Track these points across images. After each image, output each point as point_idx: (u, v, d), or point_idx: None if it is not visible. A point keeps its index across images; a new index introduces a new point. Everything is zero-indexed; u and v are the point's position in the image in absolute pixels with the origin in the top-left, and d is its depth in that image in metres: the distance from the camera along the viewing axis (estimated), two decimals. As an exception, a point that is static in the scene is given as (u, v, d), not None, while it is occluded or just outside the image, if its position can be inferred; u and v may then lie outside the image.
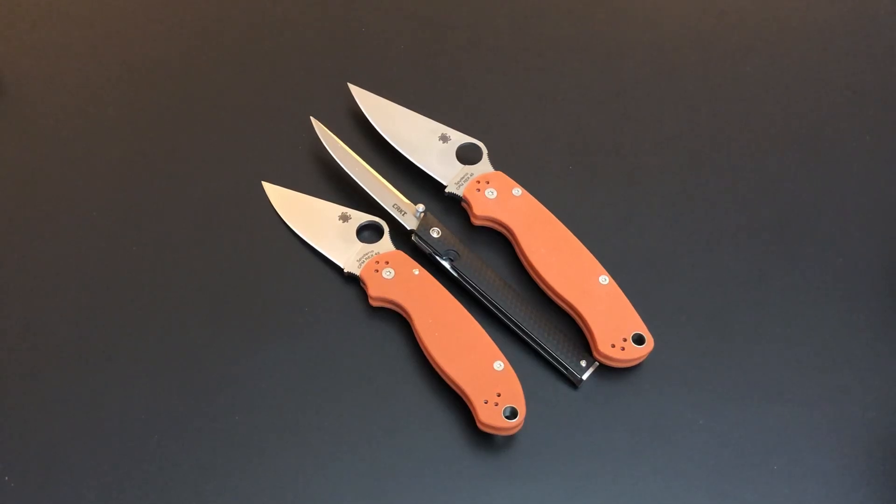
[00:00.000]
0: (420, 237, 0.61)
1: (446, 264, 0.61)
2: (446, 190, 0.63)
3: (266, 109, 0.70)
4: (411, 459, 0.55)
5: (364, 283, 0.60)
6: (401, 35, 0.74)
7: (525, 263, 0.61)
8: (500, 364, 0.56)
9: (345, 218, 0.63)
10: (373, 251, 0.61)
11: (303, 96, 0.70)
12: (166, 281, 0.61)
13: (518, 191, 0.63)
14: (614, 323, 0.58)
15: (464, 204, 0.64)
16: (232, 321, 0.60)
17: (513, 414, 0.54)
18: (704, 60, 0.73)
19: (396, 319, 0.60)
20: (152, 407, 0.57)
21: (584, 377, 0.57)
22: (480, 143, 0.65)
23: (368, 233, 0.63)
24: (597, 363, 0.58)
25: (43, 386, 0.57)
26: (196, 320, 0.60)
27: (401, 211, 0.62)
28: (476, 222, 0.63)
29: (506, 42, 0.74)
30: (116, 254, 0.63)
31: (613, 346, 0.57)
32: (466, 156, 0.65)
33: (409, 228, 0.62)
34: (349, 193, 0.65)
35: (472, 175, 0.63)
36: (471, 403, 0.55)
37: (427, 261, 0.62)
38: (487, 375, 0.55)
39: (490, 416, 0.54)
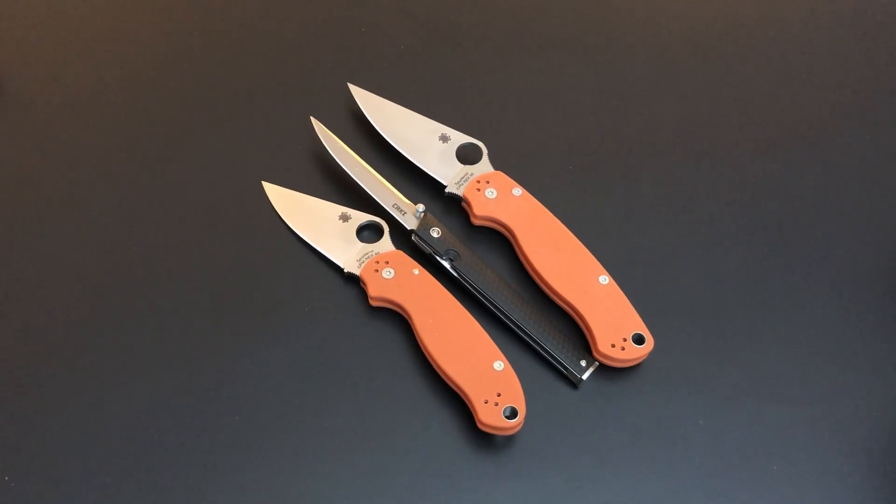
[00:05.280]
0: (420, 237, 0.61)
1: (446, 264, 0.61)
2: (446, 190, 0.63)
3: (266, 109, 0.70)
4: (411, 459, 0.55)
5: (364, 283, 0.60)
6: (401, 35, 0.74)
7: (525, 263, 0.61)
8: (500, 364, 0.56)
9: (345, 218, 0.63)
10: (373, 251, 0.61)
11: (303, 96, 0.70)
12: (166, 281, 0.61)
13: (518, 191, 0.63)
14: (614, 323, 0.58)
15: (464, 204, 0.64)
16: (232, 321, 0.60)
17: (513, 414, 0.54)
18: (704, 61, 0.73)
19: (396, 319, 0.60)
20: (152, 407, 0.57)
21: (584, 377, 0.57)
22: (480, 143, 0.65)
23: (368, 233, 0.63)
24: (597, 363, 0.58)
25: (43, 386, 0.57)
26: (196, 320, 0.60)
27: (401, 211, 0.62)
28: (476, 222, 0.63)
29: (506, 42, 0.74)
30: (116, 254, 0.63)
31: (613, 346, 0.57)
32: (466, 156, 0.65)
33: (409, 228, 0.62)
34: (349, 193, 0.65)
35: (472, 175, 0.63)
36: (471, 403, 0.55)
37: (427, 261, 0.62)
38: (487, 375, 0.55)
39: (490, 416, 0.54)
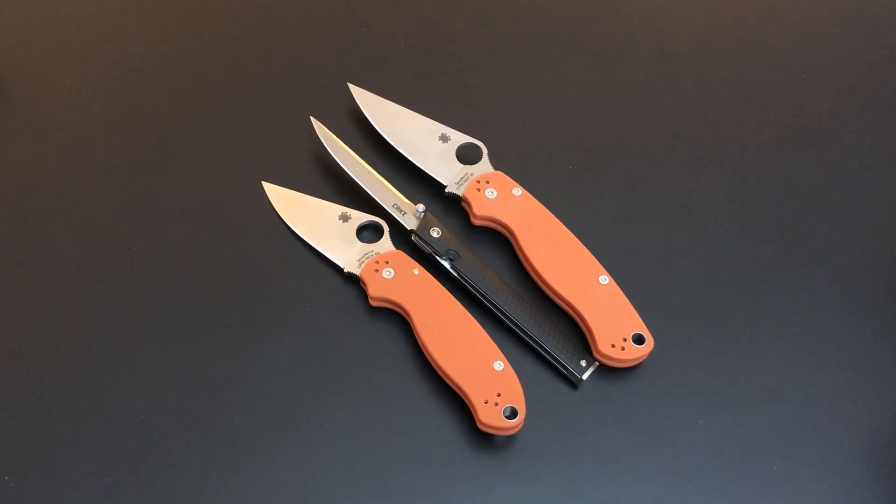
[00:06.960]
0: (420, 237, 0.61)
1: (446, 264, 0.61)
2: (446, 190, 0.63)
3: (266, 109, 0.70)
4: (411, 459, 0.55)
5: (364, 283, 0.60)
6: (401, 35, 0.74)
7: (525, 263, 0.61)
8: (500, 364, 0.56)
9: (345, 218, 0.63)
10: (373, 251, 0.61)
11: (303, 96, 0.70)
12: (166, 281, 0.61)
13: (518, 191, 0.63)
14: (614, 323, 0.58)
15: (464, 204, 0.64)
16: (232, 321, 0.60)
17: (513, 414, 0.54)
18: (705, 60, 0.73)
19: (396, 319, 0.60)
20: (152, 407, 0.57)
21: (584, 377, 0.57)
22: (480, 143, 0.65)
23: (368, 233, 0.63)
24: (597, 363, 0.58)
25: (43, 386, 0.57)
26: (196, 320, 0.60)
27: (401, 211, 0.62)
28: (476, 222, 0.63)
29: (506, 42, 0.74)
30: (116, 254, 0.63)
31: (613, 346, 0.57)
32: (466, 156, 0.65)
33: (409, 228, 0.62)
34: (349, 193, 0.65)
35: (472, 175, 0.63)
36: (471, 403, 0.55)
37: (427, 261, 0.62)
38: (487, 375, 0.55)
39: (490, 416, 0.54)
